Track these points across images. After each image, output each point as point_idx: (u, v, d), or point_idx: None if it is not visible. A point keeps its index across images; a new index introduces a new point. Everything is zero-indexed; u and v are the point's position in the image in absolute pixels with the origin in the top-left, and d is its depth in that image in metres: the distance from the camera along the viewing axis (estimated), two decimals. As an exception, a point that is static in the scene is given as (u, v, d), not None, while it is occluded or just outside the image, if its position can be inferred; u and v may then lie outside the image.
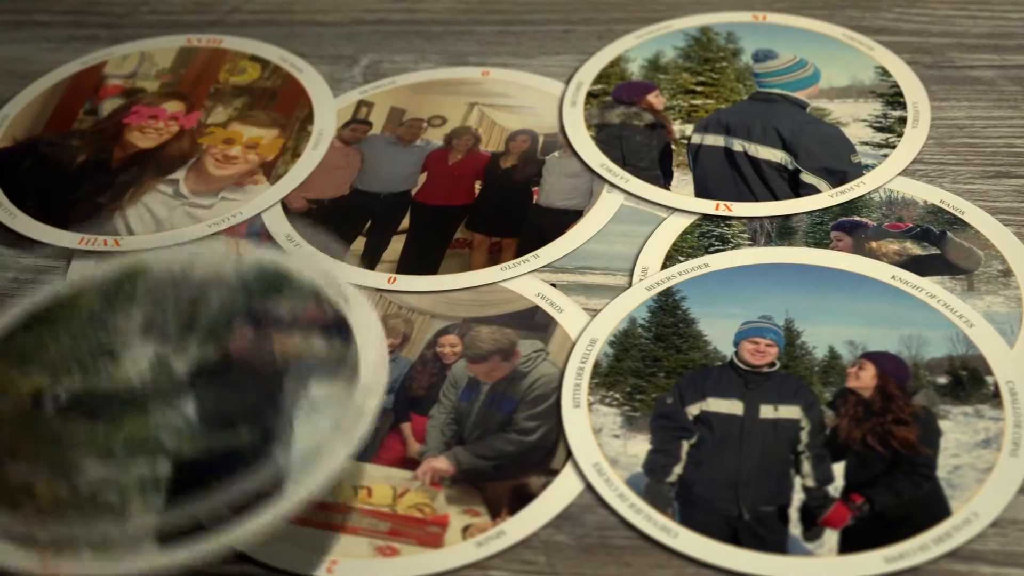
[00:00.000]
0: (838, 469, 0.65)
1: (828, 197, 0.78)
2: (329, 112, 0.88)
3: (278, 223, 0.80)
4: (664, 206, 0.79)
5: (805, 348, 0.70)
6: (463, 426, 0.69)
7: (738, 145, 0.82)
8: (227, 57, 0.93)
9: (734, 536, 0.63)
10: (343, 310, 0.67)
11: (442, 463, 0.67)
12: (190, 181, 0.83)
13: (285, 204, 0.82)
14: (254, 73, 0.92)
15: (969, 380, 0.68)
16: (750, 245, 0.76)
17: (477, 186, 0.82)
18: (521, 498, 0.65)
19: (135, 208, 0.82)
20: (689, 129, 0.84)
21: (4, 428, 0.64)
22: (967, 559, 0.61)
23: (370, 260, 0.78)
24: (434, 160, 0.84)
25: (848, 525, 0.62)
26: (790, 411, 0.67)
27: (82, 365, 0.66)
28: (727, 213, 0.78)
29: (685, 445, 0.67)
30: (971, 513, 0.62)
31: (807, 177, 0.79)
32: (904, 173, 0.80)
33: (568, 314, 0.73)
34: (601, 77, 0.89)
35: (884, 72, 0.87)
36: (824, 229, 0.77)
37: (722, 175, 0.81)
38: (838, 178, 0.79)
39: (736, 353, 0.70)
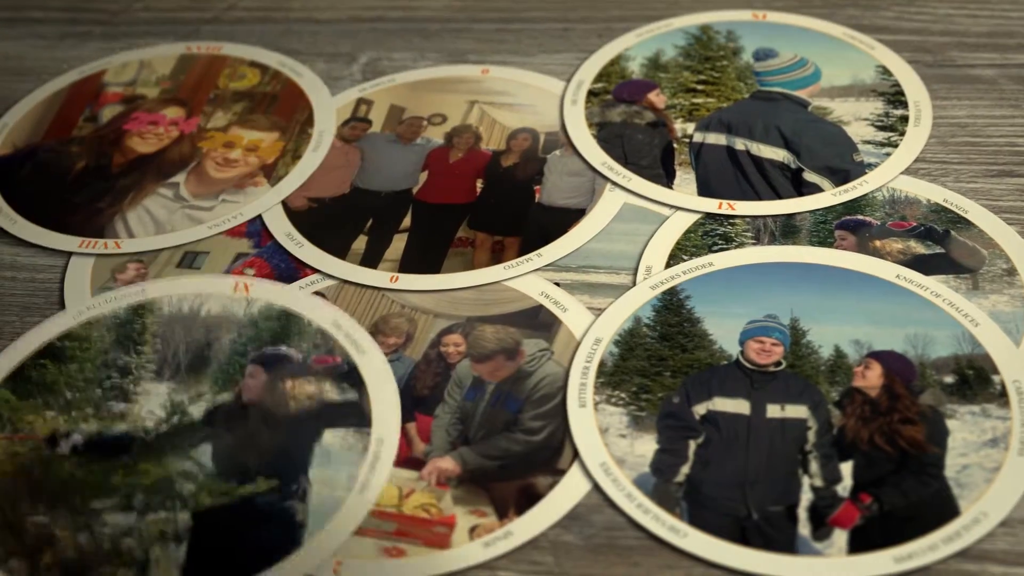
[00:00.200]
0: (846, 469, 0.65)
1: (831, 196, 0.78)
2: (329, 115, 0.87)
3: (278, 222, 0.80)
4: (667, 205, 0.79)
5: (811, 347, 0.70)
6: (468, 426, 0.68)
7: (740, 144, 0.82)
8: (226, 63, 0.93)
9: (743, 536, 0.62)
10: (353, 357, 0.67)
11: (448, 463, 0.67)
12: (191, 184, 0.83)
13: (286, 203, 0.81)
14: (253, 78, 0.91)
15: (975, 379, 0.68)
16: (754, 244, 0.76)
17: (479, 184, 0.82)
18: (528, 498, 0.65)
19: (135, 211, 0.81)
20: (691, 128, 0.83)
21: (21, 473, 0.64)
22: (977, 559, 0.61)
23: (372, 259, 0.77)
24: (435, 158, 0.84)
25: (857, 525, 0.62)
26: (797, 410, 0.67)
27: (96, 407, 0.66)
28: (730, 212, 0.78)
29: (692, 445, 0.66)
30: (980, 512, 0.62)
31: (810, 176, 0.79)
32: (907, 172, 0.80)
33: (572, 313, 0.73)
34: (602, 75, 0.88)
35: (885, 71, 0.87)
36: (828, 228, 0.76)
37: (725, 174, 0.80)
38: (841, 177, 0.79)
39: (742, 352, 0.70)
